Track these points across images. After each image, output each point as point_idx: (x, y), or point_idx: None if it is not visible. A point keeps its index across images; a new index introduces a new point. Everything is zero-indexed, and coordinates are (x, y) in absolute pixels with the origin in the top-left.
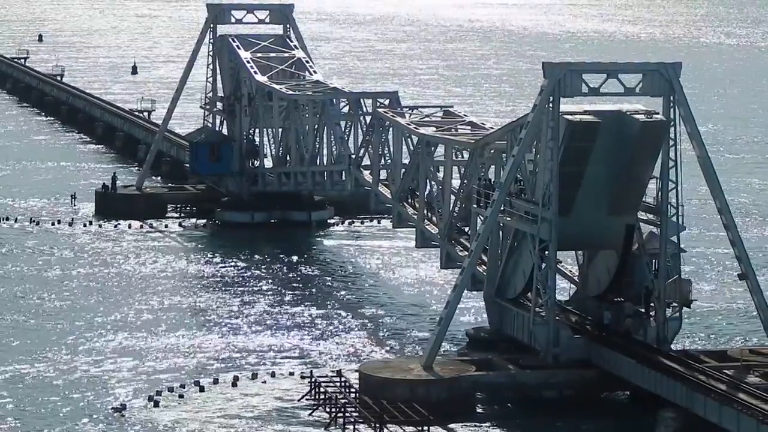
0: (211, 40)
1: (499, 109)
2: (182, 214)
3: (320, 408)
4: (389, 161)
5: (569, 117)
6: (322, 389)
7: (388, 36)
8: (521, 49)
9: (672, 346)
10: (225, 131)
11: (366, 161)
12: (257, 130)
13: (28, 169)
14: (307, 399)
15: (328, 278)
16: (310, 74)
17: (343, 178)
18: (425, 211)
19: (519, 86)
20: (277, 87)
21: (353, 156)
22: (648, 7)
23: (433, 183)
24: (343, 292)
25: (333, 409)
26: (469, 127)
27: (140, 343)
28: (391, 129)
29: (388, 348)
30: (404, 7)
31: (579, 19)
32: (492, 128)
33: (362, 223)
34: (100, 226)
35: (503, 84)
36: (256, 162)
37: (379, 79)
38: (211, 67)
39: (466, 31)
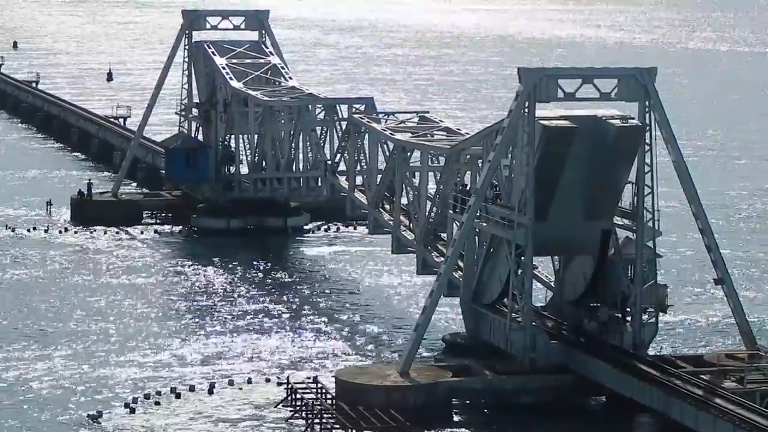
0: (187, 47)
1: (493, 113)
2: (158, 221)
3: (297, 414)
4: (365, 167)
5: (545, 122)
6: (298, 396)
7: (382, 42)
8: (515, 55)
9: (648, 351)
10: (200, 137)
11: (342, 167)
12: (233, 136)
13: (2, 176)
14: (283, 405)
15: (304, 284)
16: (286, 80)
17: (319, 184)
18: (401, 217)
19: (512, 91)
20: (253, 93)
21: (329, 162)
22: (634, 13)
23: (409, 189)
24: (319, 298)
25: (309, 416)
26: (445, 133)
27: (115, 350)
28: (366, 135)
29: (364, 354)
30: (388, 13)
31: (565, 25)
32: (467, 134)
33: (338, 229)
34: (75, 232)
35: (497, 90)
36: (231, 168)
37: (375, 83)
38: (186, 73)
39: (454, 37)
